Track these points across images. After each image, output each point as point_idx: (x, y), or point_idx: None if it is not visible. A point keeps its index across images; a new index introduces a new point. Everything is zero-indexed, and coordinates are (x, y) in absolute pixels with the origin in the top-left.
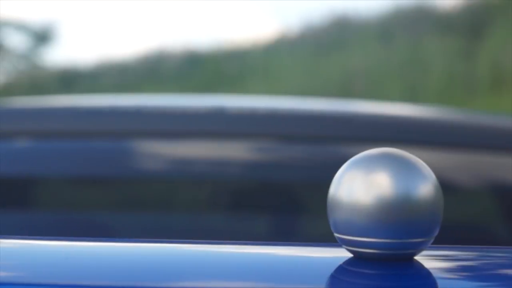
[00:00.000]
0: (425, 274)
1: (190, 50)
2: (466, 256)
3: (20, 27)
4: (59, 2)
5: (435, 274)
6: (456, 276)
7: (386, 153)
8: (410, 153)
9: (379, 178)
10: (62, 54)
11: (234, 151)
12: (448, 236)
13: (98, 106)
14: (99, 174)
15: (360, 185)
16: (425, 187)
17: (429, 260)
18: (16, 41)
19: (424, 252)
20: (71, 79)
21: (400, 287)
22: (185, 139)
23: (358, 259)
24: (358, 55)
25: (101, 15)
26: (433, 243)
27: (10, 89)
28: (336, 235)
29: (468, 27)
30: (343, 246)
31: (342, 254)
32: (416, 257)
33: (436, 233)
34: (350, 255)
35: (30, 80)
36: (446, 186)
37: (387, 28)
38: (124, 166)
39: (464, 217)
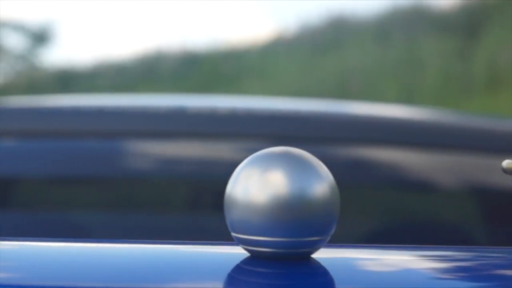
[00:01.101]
0: (322, 272)
1: (187, 51)
2: (361, 255)
3: (18, 27)
4: (57, 2)
5: (332, 272)
6: (351, 275)
7: (282, 152)
8: (397, 154)
9: (275, 176)
10: (59, 55)
11: (223, 151)
12: (431, 236)
13: (86, 106)
14: (87, 174)
15: (255, 183)
16: (321, 187)
17: (326, 259)
18: (14, 41)
19: (325, 251)
20: (68, 80)
21: (296, 285)
22: (174, 139)
23: (255, 258)
24: (354, 55)
25: (99, 15)
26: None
27: (7, 90)
28: (232, 234)
29: (464, 27)
30: (240, 245)
31: (240, 253)
32: (313, 256)
33: (332, 231)
34: (247, 254)
35: (28, 81)
36: (431, 187)
37: (384, 28)
38: (113, 166)
39: (451, 218)
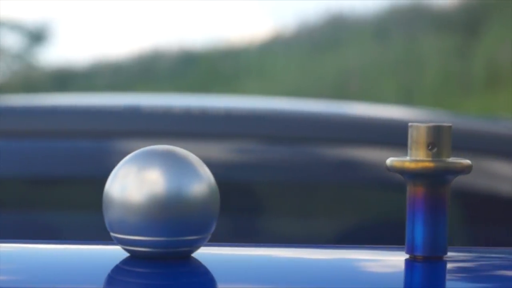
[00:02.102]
0: (202, 271)
1: (185, 49)
2: (241, 252)
3: (15, 26)
4: (54, 2)
5: (213, 271)
6: (231, 273)
7: (160, 150)
8: (388, 155)
9: (151, 175)
10: (57, 54)
11: (213, 151)
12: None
13: (76, 105)
14: (77, 174)
15: (132, 182)
16: (199, 186)
17: (208, 258)
18: (11, 40)
19: (207, 249)
20: (65, 79)
21: (175, 285)
22: (167, 138)
23: (135, 258)
24: (353, 54)
25: (96, 14)
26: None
27: (4, 89)
28: (111, 234)
29: (464, 26)
30: (119, 245)
31: (120, 253)
32: (196, 254)
33: (212, 230)
34: (127, 254)
35: (25, 80)
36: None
37: (382, 27)
38: (104, 166)
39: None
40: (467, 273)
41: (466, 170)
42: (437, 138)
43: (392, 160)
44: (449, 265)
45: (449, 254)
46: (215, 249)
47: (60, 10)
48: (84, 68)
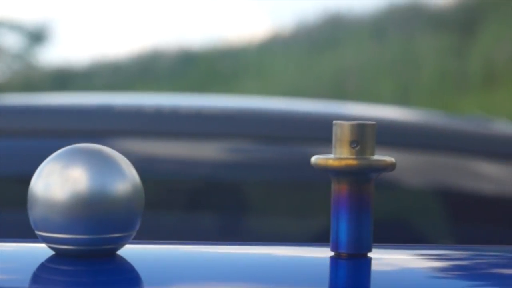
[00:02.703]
0: (127, 269)
1: (184, 49)
2: (164, 250)
3: (14, 27)
4: (54, 2)
5: (138, 268)
6: (156, 271)
7: (84, 148)
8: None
9: (75, 173)
10: (56, 54)
11: (205, 151)
12: (403, 235)
13: (70, 105)
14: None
15: (56, 180)
16: (123, 184)
17: (133, 255)
18: (10, 41)
19: (133, 247)
20: (65, 79)
21: (100, 282)
22: (159, 138)
23: (60, 256)
24: (351, 53)
25: (95, 14)
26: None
27: (4, 89)
28: (36, 232)
29: (460, 25)
30: (44, 243)
31: (46, 251)
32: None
33: (136, 227)
34: (53, 252)
35: (24, 80)
36: (403, 185)
37: (380, 26)
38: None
39: (420, 217)
40: (391, 270)
41: (389, 167)
42: (361, 136)
43: (316, 158)
44: (373, 262)
45: (374, 251)
46: (142, 247)
47: (59, 10)
48: (83, 68)
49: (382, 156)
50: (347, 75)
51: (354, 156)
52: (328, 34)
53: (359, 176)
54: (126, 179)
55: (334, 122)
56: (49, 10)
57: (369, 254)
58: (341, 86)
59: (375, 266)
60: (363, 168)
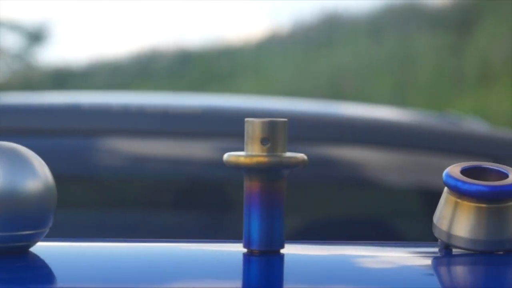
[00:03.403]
0: (39, 265)
1: (182, 49)
2: (78, 248)
3: (14, 27)
4: (52, 2)
5: (51, 265)
6: (69, 268)
7: None
8: (370, 154)
9: None
10: (55, 54)
11: (196, 150)
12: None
13: (63, 104)
14: (60, 171)
15: None
16: (34, 181)
17: (46, 252)
18: (10, 41)
19: (46, 245)
20: (64, 78)
21: (12, 279)
22: (152, 137)
23: None
24: (348, 53)
25: (94, 14)
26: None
27: (3, 89)
28: None
29: (457, 23)
30: None
31: None
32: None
33: (49, 225)
34: None
35: (23, 80)
36: (393, 185)
37: (377, 25)
38: (83, 165)
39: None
40: (303, 267)
41: (301, 164)
42: (272, 133)
43: (228, 155)
44: (285, 259)
45: (287, 247)
46: (56, 244)
47: (58, 10)
48: (82, 68)
49: (294, 153)
50: (344, 74)
51: (265, 153)
52: (325, 33)
53: (271, 173)
54: (38, 177)
55: (245, 119)
56: (48, 10)
57: (282, 251)
58: (338, 85)
59: (287, 263)
60: (274, 165)
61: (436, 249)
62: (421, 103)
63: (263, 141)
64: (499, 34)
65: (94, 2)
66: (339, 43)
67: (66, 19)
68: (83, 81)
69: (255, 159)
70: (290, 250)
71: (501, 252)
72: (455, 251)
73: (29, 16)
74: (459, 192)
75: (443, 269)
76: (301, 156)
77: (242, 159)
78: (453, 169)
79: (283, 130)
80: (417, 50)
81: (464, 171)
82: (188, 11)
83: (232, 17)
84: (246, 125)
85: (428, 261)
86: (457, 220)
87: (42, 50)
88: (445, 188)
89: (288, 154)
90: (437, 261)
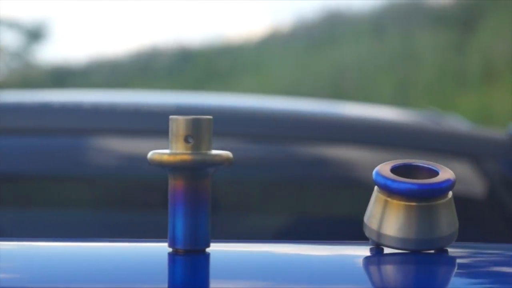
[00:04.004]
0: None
1: (182, 47)
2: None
3: (13, 25)
4: (52, 0)
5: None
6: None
7: None
8: (358, 153)
9: None
10: (54, 52)
11: None
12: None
13: (55, 102)
14: (50, 171)
15: None
16: None
17: None
18: (9, 39)
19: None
20: (63, 77)
21: None
22: (145, 137)
23: None
24: (350, 50)
25: (93, 12)
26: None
27: (2, 87)
28: None
29: (460, 21)
30: None
31: None
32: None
33: None
34: None
35: (22, 78)
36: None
37: (379, 23)
38: (75, 164)
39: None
40: (228, 266)
41: (226, 162)
42: (196, 131)
43: (152, 153)
44: (211, 258)
45: (212, 246)
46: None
47: (57, 8)
48: (81, 66)
49: (219, 151)
50: (346, 72)
51: (189, 151)
52: (326, 31)
53: (195, 172)
54: None
55: (170, 117)
56: (47, 8)
57: (207, 250)
58: (340, 84)
59: (212, 262)
60: (198, 163)
61: (367, 249)
62: (423, 101)
63: (187, 139)
64: (502, 31)
65: (93, 0)
66: (341, 41)
67: (66, 17)
68: (82, 79)
69: (178, 157)
70: (215, 249)
71: (432, 251)
72: (386, 250)
73: (28, 14)
74: (389, 191)
75: (372, 269)
76: (226, 154)
77: (165, 157)
78: (383, 167)
79: (208, 128)
80: (419, 48)
81: (394, 169)
82: (189, 9)
83: (233, 15)
84: (170, 123)
85: (358, 260)
86: (387, 219)
87: (41, 49)
88: (375, 187)
89: (213, 152)
90: (366, 260)
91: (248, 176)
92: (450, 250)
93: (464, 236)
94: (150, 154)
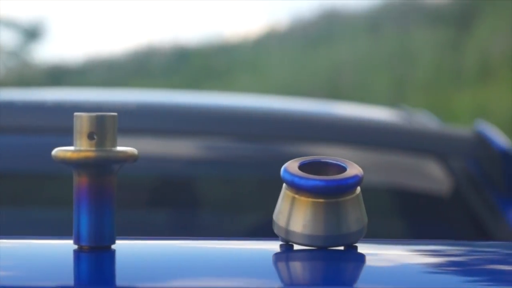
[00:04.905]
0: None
1: (179, 45)
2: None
3: (10, 24)
4: None
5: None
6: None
7: None
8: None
9: None
10: (51, 51)
11: (182, 148)
12: None
13: (46, 102)
14: (44, 169)
15: None
16: None
17: None
18: (5, 38)
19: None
20: (60, 76)
21: None
22: (139, 136)
23: None
24: (347, 49)
25: (90, 11)
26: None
27: None
28: None
29: (456, 20)
30: None
31: None
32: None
33: None
34: None
35: (19, 77)
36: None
37: (376, 21)
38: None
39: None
40: (133, 262)
41: (130, 159)
42: (100, 128)
43: (56, 151)
44: (116, 255)
45: (118, 243)
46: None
47: (54, 7)
48: (78, 65)
49: (123, 148)
50: (342, 70)
51: (93, 148)
52: (323, 29)
53: (99, 168)
54: None
55: (74, 114)
56: (44, 7)
57: (113, 247)
58: (336, 82)
59: (117, 259)
60: (101, 160)
61: (277, 245)
62: (420, 99)
63: (91, 135)
64: (498, 29)
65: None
66: (337, 39)
67: (62, 16)
68: (79, 78)
69: (82, 154)
70: (121, 246)
71: (341, 248)
72: (296, 247)
73: (25, 13)
74: (296, 188)
75: (280, 265)
76: (131, 150)
77: (69, 154)
78: (291, 164)
79: (112, 125)
80: (416, 46)
81: (303, 166)
82: (186, 8)
83: (230, 13)
84: (74, 120)
85: (267, 257)
86: (294, 216)
87: (38, 47)
88: (284, 184)
89: (118, 148)
90: (275, 257)
91: (229, 174)
92: (360, 246)
93: (429, 233)
94: (54, 151)
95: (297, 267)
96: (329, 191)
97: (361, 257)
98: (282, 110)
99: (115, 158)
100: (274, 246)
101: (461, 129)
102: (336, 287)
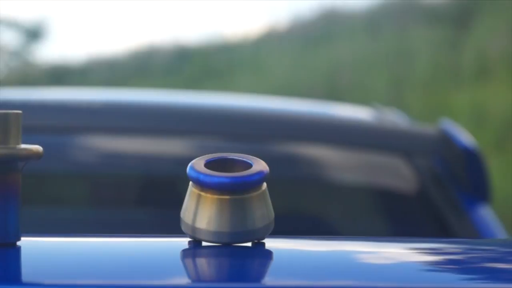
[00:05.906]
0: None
1: (180, 45)
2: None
3: (12, 24)
4: None
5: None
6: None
7: None
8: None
9: None
10: (53, 51)
11: (176, 148)
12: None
13: (42, 100)
14: (41, 169)
15: None
16: None
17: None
18: (7, 38)
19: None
20: (61, 75)
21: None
22: (136, 135)
23: None
24: (346, 48)
25: (92, 11)
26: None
27: (1, 86)
28: None
29: (454, 19)
30: None
31: None
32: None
33: None
34: None
35: (21, 77)
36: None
37: (374, 21)
38: (65, 161)
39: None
40: (38, 259)
41: (34, 156)
42: (4, 126)
43: None
44: (21, 252)
45: (23, 240)
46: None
47: (56, 7)
48: (80, 65)
49: (27, 145)
50: (341, 69)
51: None
52: (323, 29)
53: (3, 166)
54: None
55: None
56: (46, 8)
57: (19, 243)
58: (336, 81)
59: (22, 255)
60: (4, 157)
61: (185, 242)
62: (418, 98)
63: None
64: (497, 28)
65: (92, 0)
66: (336, 39)
67: (64, 16)
68: (81, 78)
69: None
70: (26, 243)
71: (249, 244)
72: (204, 244)
73: (27, 13)
74: (201, 185)
75: (187, 262)
76: (35, 148)
77: None
78: (197, 162)
79: (16, 122)
80: (414, 45)
81: (209, 163)
82: (186, 8)
83: (230, 13)
84: None
85: (174, 254)
86: (200, 213)
87: (40, 47)
88: (190, 182)
89: (22, 146)
90: (182, 254)
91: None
92: (268, 242)
93: (395, 231)
94: None
95: (203, 264)
96: (234, 188)
97: (268, 253)
98: (255, 110)
99: (18, 156)
100: (182, 243)
101: (427, 128)
102: (242, 283)
